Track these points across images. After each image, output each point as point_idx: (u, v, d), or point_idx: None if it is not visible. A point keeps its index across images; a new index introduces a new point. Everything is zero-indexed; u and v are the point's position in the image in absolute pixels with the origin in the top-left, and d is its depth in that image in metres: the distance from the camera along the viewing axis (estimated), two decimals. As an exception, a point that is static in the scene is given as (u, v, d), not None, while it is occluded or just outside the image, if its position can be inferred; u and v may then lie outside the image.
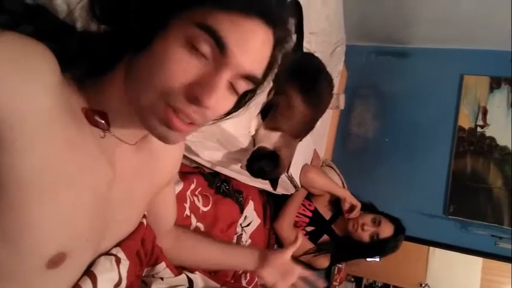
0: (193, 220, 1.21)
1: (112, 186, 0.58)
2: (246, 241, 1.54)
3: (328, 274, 2.43)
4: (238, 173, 1.45)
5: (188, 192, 1.22)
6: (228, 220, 1.41)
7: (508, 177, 2.31)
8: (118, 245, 0.68)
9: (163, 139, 0.52)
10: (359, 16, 2.49)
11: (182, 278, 0.92)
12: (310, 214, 1.90)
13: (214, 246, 1.02)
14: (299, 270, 1.03)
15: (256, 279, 1.45)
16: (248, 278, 1.44)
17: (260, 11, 0.48)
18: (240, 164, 1.28)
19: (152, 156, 0.69)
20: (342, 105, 2.23)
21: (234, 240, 1.48)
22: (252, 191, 1.64)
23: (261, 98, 1.22)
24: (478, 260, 2.30)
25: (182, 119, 0.50)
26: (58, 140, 0.46)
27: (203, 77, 0.48)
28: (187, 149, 1.19)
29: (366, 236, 1.74)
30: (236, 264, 1.08)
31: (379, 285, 2.50)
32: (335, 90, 1.86)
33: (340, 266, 2.42)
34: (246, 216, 1.56)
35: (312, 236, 1.86)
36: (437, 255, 2.39)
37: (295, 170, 1.58)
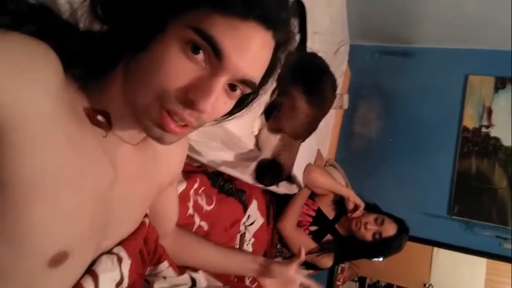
0: (197, 219, 1.21)
1: (113, 186, 0.58)
2: (249, 240, 1.55)
3: (331, 274, 2.44)
4: (241, 173, 1.45)
5: (191, 192, 1.22)
6: (231, 219, 1.41)
7: (513, 177, 2.30)
8: (120, 244, 0.68)
9: (158, 140, 0.53)
10: (363, 15, 2.49)
11: (185, 277, 0.92)
12: (313, 214, 1.89)
13: (215, 251, 1.02)
14: (301, 279, 1.02)
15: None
16: (251, 277, 1.44)
17: (258, 14, 0.47)
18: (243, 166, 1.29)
19: (155, 156, 0.69)
20: (345, 105, 2.23)
21: (237, 239, 1.48)
22: (255, 190, 1.64)
23: (264, 98, 1.23)
24: (483, 261, 2.28)
25: (176, 121, 0.50)
26: (60, 140, 0.47)
27: (199, 81, 0.48)
28: (191, 148, 1.19)
29: (368, 235, 1.74)
30: (237, 270, 1.07)
31: (383, 285, 2.50)
32: (338, 90, 1.86)
33: (343, 265, 2.42)
34: (249, 215, 1.56)
35: (316, 236, 1.86)
36: (442, 255, 2.38)
37: (298, 170, 1.58)
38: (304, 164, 1.67)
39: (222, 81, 0.49)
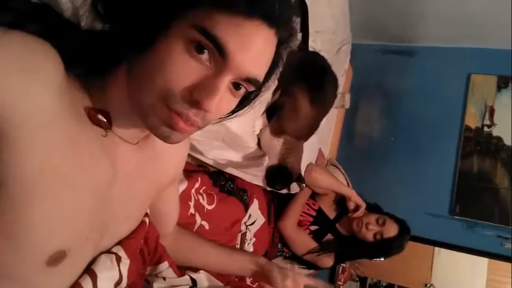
0: (198, 218, 1.21)
1: (113, 185, 0.58)
2: (250, 239, 1.55)
3: (332, 273, 2.44)
4: (243, 173, 1.45)
5: (193, 191, 1.22)
6: (232, 218, 1.41)
7: (515, 177, 2.29)
8: (119, 243, 0.68)
9: (166, 139, 0.52)
10: (365, 14, 2.48)
11: (185, 278, 0.92)
12: (314, 213, 1.89)
13: (215, 251, 1.01)
14: (304, 281, 1.01)
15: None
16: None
17: (262, 12, 0.47)
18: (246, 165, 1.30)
19: (155, 155, 0.69)
20: (347, 104, 2.22)
21: (238, 239, 1.48)
22: (256, 189, 1.64)
23: (265, 96, 1.22)
24: (484, 261, 2.28)
25: (184, 120, 0.50)
26: (60, 139, 0.47)
27: (203, 80, 0.48)
28: (192, 147, 1.19)
29: (369, 235, 1.73)
30: (237, 271, 1.06)
31: (384, 285, 2.49)
32: (340, 89, 1.86)
33: (344, 265, 2.42)
34: (250, 214, 1.56)
35: (316, 235, 1.86)
36: (443, 255, 2.37)
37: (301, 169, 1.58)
38: (305, 163, 1.66)
39: (226, 80, 0.49)
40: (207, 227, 1.25)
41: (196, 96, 0.48)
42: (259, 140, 1.34)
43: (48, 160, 0.45)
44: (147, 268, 0.83)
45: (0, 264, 0.46)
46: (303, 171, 1.57)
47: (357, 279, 2.56)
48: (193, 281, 0.94)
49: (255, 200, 1.61)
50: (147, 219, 0.77)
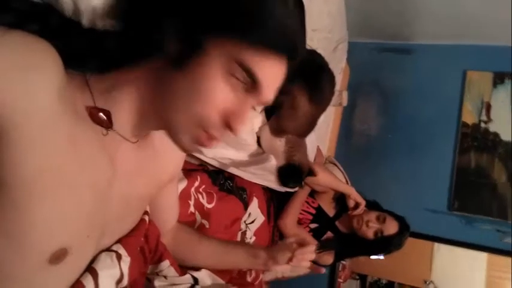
0: (198, 217, 1.21)
1: (112, 184, 0.59)
2: (250, 238, 1.55)
3: (332, 271, 2.44)
4: (242, 171, 1.45)
5: (192, 190, 1.22)
6: (232, 217, 1.41)
7: (513, 172, 2.30)
8: (119, 241, 0.69)
9: (186, 150, 0.58)
10: (361, 13, 2.48)
11: (186, 277, 0.92)
12: (313, 211, 1.89)
13: (215, 247, 1.01)
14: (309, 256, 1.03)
15: (261, 276, 1.45)
16: (253, 275, 1.44)
17: (289, 49, 0.53)
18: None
19: (155, 154, 0.69)
20: (344, 102, 2.23)
21: (239, 237, 1.48)
22: (255, 188, 1.64)
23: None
24: (483, 256, 2.28)
25: (212, 139, 0.56)
26: (61, 138, 0.47)
27: (237, 108, 0.54)
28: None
29: (370, 233, 1.73)
30: (240, 265, 1.07)
31: (384, 282, 2.50)
32: (338, 87, 1.86)
33: (344, 263, 2.42)
34: (250, 213, 1.56)
35: (316, 233, 1.86)
36: (442, 251, 2.38)
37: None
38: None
39: (252, 105, 0.56)
40: (207, 226, 1.25)
41: (230, 121, 0.53)
42: (258, 138, 1.34)
43: (48, 159, 0.45)
44: (148, 266, 0.83)
45: (1, 262, 0.46)
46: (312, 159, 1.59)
47: (357, 277, 2.57)
48: (195, 280, 0.94)
49: (254, 198, 1.61)
50: (146, 217, 0.77)
